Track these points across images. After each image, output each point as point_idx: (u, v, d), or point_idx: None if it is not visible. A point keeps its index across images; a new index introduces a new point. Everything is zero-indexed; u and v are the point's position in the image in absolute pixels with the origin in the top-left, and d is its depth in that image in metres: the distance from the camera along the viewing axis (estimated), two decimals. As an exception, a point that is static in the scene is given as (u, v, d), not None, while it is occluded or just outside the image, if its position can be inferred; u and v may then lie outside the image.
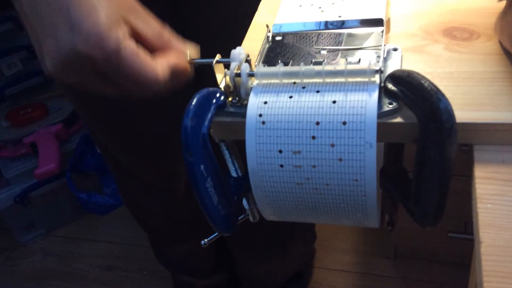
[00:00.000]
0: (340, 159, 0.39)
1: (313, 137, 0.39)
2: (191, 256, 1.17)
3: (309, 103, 0.39)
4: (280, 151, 0.40)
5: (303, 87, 0.40)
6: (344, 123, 0.38)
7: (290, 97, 0.40)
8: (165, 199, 1.01)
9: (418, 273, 1.32)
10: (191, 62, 0.46)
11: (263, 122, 0.40)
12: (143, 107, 0.83)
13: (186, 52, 0.46)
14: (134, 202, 1.08)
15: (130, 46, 0.40)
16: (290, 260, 1.25)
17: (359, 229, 1.47)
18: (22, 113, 1.50)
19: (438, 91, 0.37)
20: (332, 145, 0.39)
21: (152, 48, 0.43)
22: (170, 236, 1.12)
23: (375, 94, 0.39)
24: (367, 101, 0.38)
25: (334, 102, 0.39)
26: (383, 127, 0.39)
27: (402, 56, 0.45)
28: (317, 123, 0.39)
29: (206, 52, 0.48)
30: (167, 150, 0.89)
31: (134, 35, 0.42)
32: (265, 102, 0.41)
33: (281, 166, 0.41)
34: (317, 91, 0.40)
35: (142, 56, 0.41)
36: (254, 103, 0.41)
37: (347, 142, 0.38)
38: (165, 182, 0.96)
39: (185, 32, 0.76)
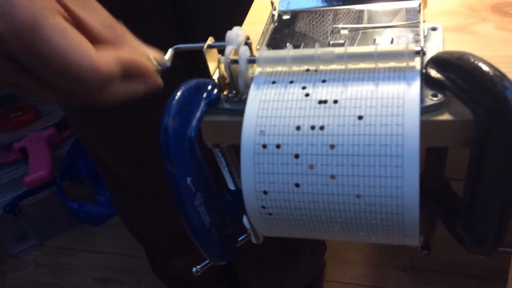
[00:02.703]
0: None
1: (336, 226, 0.31)
2: (191, 271, 1.07)
3: (323, 196, 0.30)
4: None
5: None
6: (375, 220, 0.29)
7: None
8: (160, 208, 0.92)
9: (437, 286, 1.22)
10: (157, 67, 0.36)
11: (270, 214, 0.32)
12: (135, 112, 0.75)
13: (146, 54, 0.36)
14: (127, 212, 1.00)
15: (55, 21, 0.30)
16: (298, 274, 1.16)
17: (372, 238, 1.37)
18: (12, 116, 1.41)
19: (503, 77, 0.27)
20: (361, 229, 0.31)
21: (98, 45, 0.33)
22: (167, 249, 1.03)
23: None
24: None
25: (358, 197, 0.29)
26: (425, 127, 0.30)
27: (443, 37, 0.36)
28: (339, 222, 0.30)
29: (204, 40, 0.38)
30: (161, 156, 0.80)
31: (74, 25, 0.32)
32: (265, 192, 0.31)
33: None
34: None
35: (73, 37, 0.30)
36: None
37: (383, 229, 0.30)
38: (160, 190, 0.87)
39: (181, 18, 0.68)
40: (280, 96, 0.31)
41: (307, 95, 0.30)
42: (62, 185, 1.30)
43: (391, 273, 1.28)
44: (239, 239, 0.43)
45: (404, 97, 0.29)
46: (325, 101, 0.30)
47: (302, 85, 0.31)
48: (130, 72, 0.34)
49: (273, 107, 0.30)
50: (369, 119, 0.28)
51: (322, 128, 0.29)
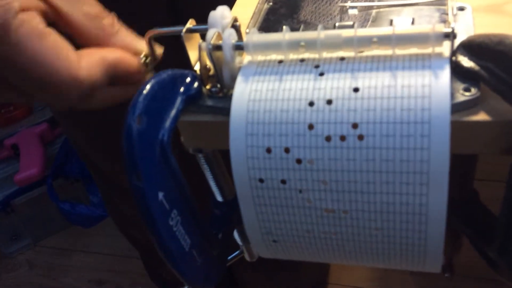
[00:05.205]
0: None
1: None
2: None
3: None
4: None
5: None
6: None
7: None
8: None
9: (448, 290, 1.16)
10: (147, 62, 0.31)
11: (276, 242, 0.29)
12: (124, 110, 0.69)
13: (138, 48, 0.31)
14: (119, 213, 0.95)
15: (30, 23, 0.26)
16: (301, 277, 1.11)
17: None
18: (3, 111, 1.35)
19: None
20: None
21: (85, 41, 0.30)
22: (162, 252, 0.98)
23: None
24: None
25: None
26: (455, 130, 0.24)
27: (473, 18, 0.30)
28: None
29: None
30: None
31: (56, 19, 0.28)
32: (274, 241, 0.29)
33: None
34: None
35: (50, 40, 0.26)
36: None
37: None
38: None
39: (175, 9, 0.62)
40: (276, 200, 0.26)
41: (309, 201, 0.26)
42: (53, 184, 1.24)
43: (399, 276, 1.22)
44: (229, 257, 0.37)
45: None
46: (332, 210, 0.25)
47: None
48: (117, 75, 0.30)
49: (273, 211, 0.27)
50: (387, 232, 0.25)
51: (335, 234, 0.26)
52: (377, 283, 1.23)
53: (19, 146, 1.30)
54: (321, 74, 0.25)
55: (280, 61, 0.26)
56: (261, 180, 0.25)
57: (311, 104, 0.24)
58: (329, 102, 0.24)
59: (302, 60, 0.26)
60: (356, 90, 0.24)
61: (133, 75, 0.31)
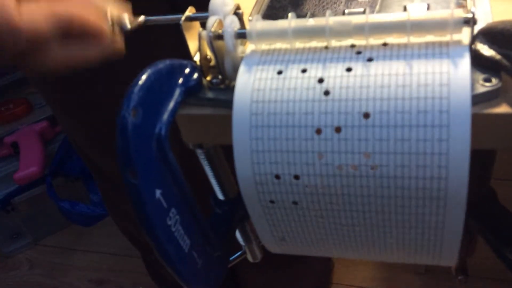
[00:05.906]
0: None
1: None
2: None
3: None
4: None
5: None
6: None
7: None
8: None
9: (453, 291, 1.14)
10: (117, 24, 0.28)
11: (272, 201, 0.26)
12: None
13: (102, 9, 0.28)
14: (119, 213, 0.94)
15: None
16: (304, 278, 1.09)
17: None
18: (3, 109, 1.34)
19: None
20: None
21: None
22: (164, 252, 0.96)
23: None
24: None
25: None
26: (474, 123, 0.22)
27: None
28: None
29: None
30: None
31: None
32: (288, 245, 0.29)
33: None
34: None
35: None
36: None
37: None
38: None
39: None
40: (288, 217, 0.26)
41: (322, 217, 0.25)
42: (53, 183, 1.23)
43: (404, 276, 1.21)
44: (231, 258, 0.35)
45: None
46: (346, 224, 0.25)
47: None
48: (72, 32, 0.27)
49: (285, 225, 0.27)
50: (402, 241, 0.25)
51: (349, 241, 0.26)
52: (382, 283, 1.21)
53: (19, 144, 1.28)
54: (326, 93, 0.23)
55: (280, 72, 0.24)
56: (272, 202, 0.25)
57: (318, 131, 0.23)
58: (338, 130, 0.22)
59: (304, 71, 0.24)
60: (366, 116, 0.22)
61: (94, 35, 0.28)
